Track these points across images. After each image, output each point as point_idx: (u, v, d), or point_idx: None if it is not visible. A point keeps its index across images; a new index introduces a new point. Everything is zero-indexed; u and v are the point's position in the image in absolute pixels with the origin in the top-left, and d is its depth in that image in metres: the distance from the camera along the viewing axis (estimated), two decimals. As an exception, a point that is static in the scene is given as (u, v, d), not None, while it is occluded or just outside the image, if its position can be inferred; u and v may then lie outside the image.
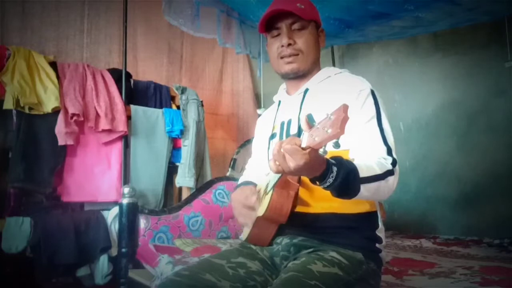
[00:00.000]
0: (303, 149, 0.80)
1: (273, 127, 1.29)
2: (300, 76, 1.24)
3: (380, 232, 1.15)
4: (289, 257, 1.08)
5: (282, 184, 1.04)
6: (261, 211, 1.07)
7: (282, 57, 1.21)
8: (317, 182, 0.90)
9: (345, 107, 0.74)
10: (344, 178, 0.89)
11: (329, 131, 0.74)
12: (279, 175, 1.03)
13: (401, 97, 3.44)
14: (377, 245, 1.13)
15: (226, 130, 3.83)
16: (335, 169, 0.88)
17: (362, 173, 0.93)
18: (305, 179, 1.02)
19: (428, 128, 3.28)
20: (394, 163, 1.03)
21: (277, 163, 0.85)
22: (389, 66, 3.55)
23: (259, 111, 3.53)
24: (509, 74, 2.80)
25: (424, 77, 3.31)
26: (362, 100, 1.10)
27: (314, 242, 1.09)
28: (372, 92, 1.12)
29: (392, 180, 1.00)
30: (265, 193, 1.10)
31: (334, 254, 1.03)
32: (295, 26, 1.19)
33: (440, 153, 3.18)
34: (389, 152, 1.05)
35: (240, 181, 1.40)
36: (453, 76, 3.15)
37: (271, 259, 1.14)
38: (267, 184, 1.11)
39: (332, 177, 0.88)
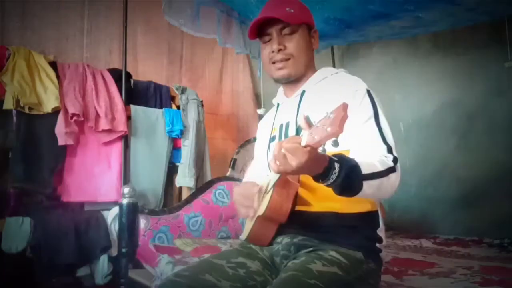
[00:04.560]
0: (304, 147, 0.80)
1: (272, 130, 1.30)
2: (293, 81, 1.25)
3: (381, 231, 1.15)
4: (289, 257, 1.08)
5: (282, 183, 1.04)
6: (261, 210, 1.07)
7: (273, 63, 1.22)
8: (320, 180, 0.90)
9: (344, 106, 0.74)
10: (346, 174, 0.89)
11: (328, 129, 0.75)
12: (279, 174, 1.03)
13: (401, 97, 3.44)
14: (377, 244, 1.13)
15: (226, 130, 3.83)
16: (337, 165, 0.88)
17: (364, 170, 0.93)
18: (306, 178, 1.02)
19: (428, 128, 3.28)
20: (395, 160, 1.03)
21: (278, 163, 0.85)
22: (389, 66, 3.55)
23: (259, 111, 3.53)
24: (509, 74, 2.80)
25: (424, 77, 3.32)
26: (359, 100, 1.11)
27: (315, 242, 1.09)
28: (368, 92, 1.13)
29: (394, 178, 1.00)
30: (266, 192, 1.10)
31: (333, 253, 1.03)
32: (285, 31, 1.20)
33: (440, 153, 3.19)
34: (389, 150, 1.05)
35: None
36: (453, 76, 3.15)
37: (271, 259, 1.14)
38: (268, 183, 1.12)
39: (334, 173, 0.88)
